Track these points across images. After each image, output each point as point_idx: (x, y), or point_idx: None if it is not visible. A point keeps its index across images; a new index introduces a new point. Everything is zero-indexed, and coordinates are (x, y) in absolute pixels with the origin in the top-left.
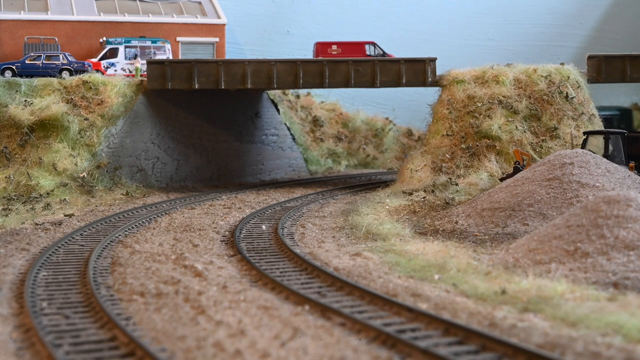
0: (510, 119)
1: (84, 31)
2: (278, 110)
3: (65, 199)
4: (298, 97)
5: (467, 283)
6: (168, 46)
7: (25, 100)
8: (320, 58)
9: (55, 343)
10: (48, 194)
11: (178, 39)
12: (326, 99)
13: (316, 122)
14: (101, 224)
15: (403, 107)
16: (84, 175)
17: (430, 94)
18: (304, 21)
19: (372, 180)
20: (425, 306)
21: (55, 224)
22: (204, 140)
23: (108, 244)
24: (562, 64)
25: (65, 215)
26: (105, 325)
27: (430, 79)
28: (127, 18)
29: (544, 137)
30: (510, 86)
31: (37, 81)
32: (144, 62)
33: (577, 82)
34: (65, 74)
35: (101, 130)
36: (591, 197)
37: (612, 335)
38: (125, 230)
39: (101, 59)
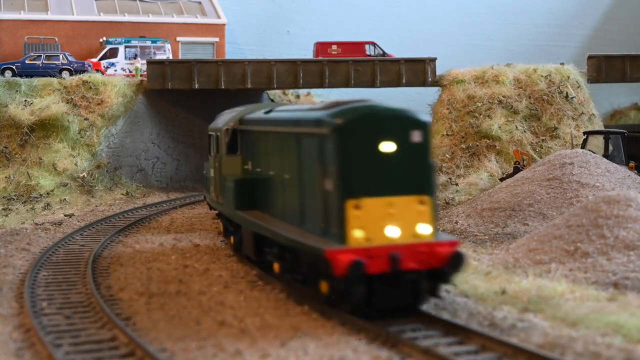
0: (510, 119)
1: (84, 31)
2: None
3: (65, 199)
4: (298, 97)
5: (467, 283)
6: (168, 46)
7: (25, 100)
8: (320, 58)
9: (55, 343)
10: (48, 194)
11: (178, 39)
12: (326, 99)
13: None
14: (101, 224)
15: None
16: (84, 175)
17: (430, 94)
18: (304, 21)
19: None
20: (425, 306)
21: (55, 224)
22: (204, 140)
23: (108, 243)
24: (562, 64)
25: (65, 215)
26: (105, 326)
27: (430, 79)
28: (127, 18)
29: (544, 137)
30: (510, 86)
31: (37, 81)
32: (144, 62)
33: (577, 82)
34: (65, 74)
35: (101, 130)
36: (591, 197)
37: (612, 335)
38: (125, 230)
39: (101, 59)
